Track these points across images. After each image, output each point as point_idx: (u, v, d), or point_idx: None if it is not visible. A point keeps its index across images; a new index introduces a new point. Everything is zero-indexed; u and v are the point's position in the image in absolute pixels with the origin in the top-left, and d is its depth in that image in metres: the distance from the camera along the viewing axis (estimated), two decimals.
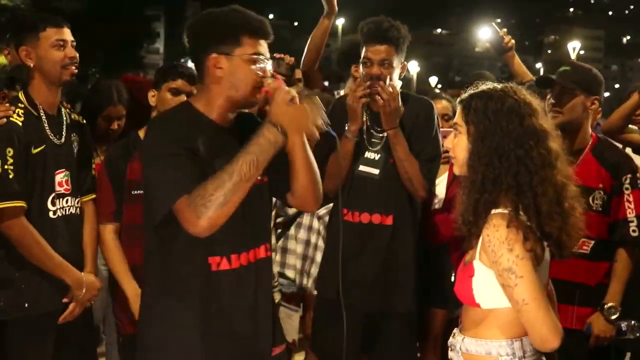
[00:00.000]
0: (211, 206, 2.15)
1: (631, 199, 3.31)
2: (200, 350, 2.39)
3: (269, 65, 2.43)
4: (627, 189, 3.31)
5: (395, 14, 3.49)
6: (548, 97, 3.40)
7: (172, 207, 2.22)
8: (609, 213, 3.36)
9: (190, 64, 3.49)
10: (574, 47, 41.36)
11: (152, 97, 3.44)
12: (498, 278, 2.16)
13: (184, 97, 3.32)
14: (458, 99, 2.40)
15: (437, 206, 3.96)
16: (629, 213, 3.30)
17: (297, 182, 2.45)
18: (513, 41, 4.31)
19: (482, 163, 2.21)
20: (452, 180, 4.07)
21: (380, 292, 3.41)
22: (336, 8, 4.40)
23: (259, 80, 2.38)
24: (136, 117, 4.10)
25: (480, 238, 2.21)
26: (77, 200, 3.26)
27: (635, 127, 4.05)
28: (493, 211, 2.20)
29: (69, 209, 3.21)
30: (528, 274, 2.12)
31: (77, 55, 3.20)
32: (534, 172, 2.18)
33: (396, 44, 3.36)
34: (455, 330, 2.40)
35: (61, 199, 3.17)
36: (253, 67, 2.37)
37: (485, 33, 4.32)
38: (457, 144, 2.33)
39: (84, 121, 3.41)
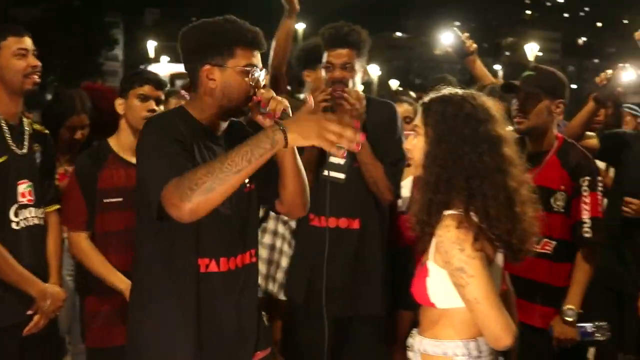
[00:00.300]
0: (197, 189, 2.10)
1: (588, 200, 3.35)
2: (188, 350, 2.42)
3: (261, 76, 2.45)
4: (585, 190, 3.35)
5: (356, 18, 3.52)
6: (514, 101, 3.45)
7: (160, 194, 2.19)
8: (570, 214, 3.41)
9: (152, 69, 3.48)
10: (531, 49, 41.87)
11: (119, 105, 3.42)
12: (451, 278, 2.21)
13: (152, 103, 3.34)
14: (420, 102, 2.45)
15: (403, 208, 4.00)
16: (584, 215, 3.34)
17: (286, 189, 2.49)
18: (475, 45, 4.37)
19: (437, 165, 2.28)
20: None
21: (348, 297, 3.42)
22: (297, 7, 4.41)
23: (251, 91, 2.41)
24: (99, 125, 4.07)
25: (434, 239, 2.26)
26: (40, 211, 3.22)
27: (592, 133, 4.12)
28: (445, 212, 2.25)
29: (32, 220, 3.18)
30: (479, 273, 2.17)
31: (40, 64, 3.18)
32: (485, 176, 2.24)
33: (357, 47, 3.38)
34: (414, 331, 2.44)
35: (24, 210, 3.14)
36: (246, 78, 2.39)
37: (447, 37, 4.36)
38: (415, 146, 2.39)
39: (47, 131, 3.37)
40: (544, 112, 3.38)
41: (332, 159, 3.45)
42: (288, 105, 2.38)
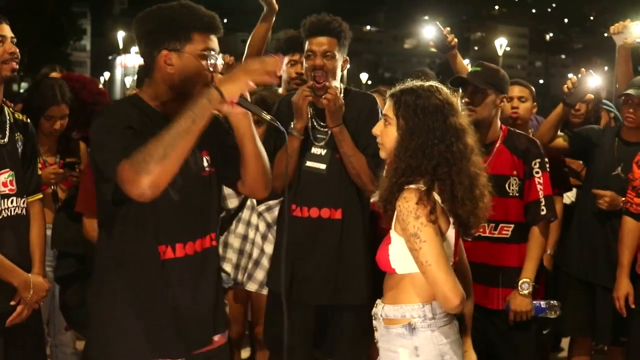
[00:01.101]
0: (150, 160, 2.10)
1: (541, 180, 3.56)
2: (144, 335, 2.43)
3: (219, 60, 2.45)
4: (537, 172, 3.56)
5: (325, 11, 3.54)
6: (462, 95, 3.59)
7: (116, 174, 2.17)
8: (523, 196, 3.57)
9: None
10: (500, 44, 42.25)
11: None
12: (407, 243, 2.41)
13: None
14: (388, 92, 2.62)
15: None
16: (540, 194, 3.54)
17: (247, 171, 2.51)
18: (456, 40, 4.44)
19: (408, 154, 2.47)
20: None
21: (331, 286, 3.45)
22: (276, 7, 4.42)
23: (209, 75, 2.41)
24: (80, 116, 4.06)
25: (396, 210, 2.45)
26: (23, 200, 3.19)
27: (561, 133, 4.21)
28: (406, 187, 2.44)
29: (14, 210, 3.14)
30: (431, 239, 2.37)
31: (17, 50, 3.16)
32: (452, 163, 2.46)
33: (338, 36, 3.42)
34: (378, 301, 2.64)
35: (6, 200, 3.10)
36: (204, 62, 2.40)
37: (429, 32, 4.41)
38: (386, 133, 2.57)
39: (28, 120, 3.33)
40: (490, 105, 3.56)
41: (314, 150, 3.48)
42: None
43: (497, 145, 3.60)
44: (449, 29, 4.38)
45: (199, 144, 2.32)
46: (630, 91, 4.00)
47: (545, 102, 12.76)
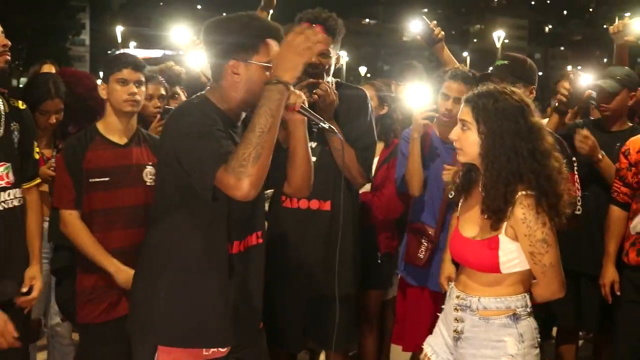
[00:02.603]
0: (247, 164, 2.24)
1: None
2: (198, 327, 2.57)
3: None
4: None
5: (324, 3, 3.57)
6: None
7: (214, 178, 2.30)
8: None
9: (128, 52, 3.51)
10: (498, 36, 42.18)
11: (102, 90, 3.45)
12: (529, 247, 2.56)
13: (133, 87, 3.39)
14: (464, 97, 2.70)
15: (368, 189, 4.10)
16: None
17: (296, 172, 2.69)
18: (443, 32, 4.47)
19: (502, 160, 2.56)
20: (381, 164, 4.21)
21: (321, 276, 3.49)
22: (274, 1, 4.45)
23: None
24: (75, 110, 4.12)
25: (510, 216, 2.56)
26: (19, 190, 3.19)
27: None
28: (519, 193, 2.54)
29: (11, 202, 3.14)
30: (555, 243, 2.59)
31: (9, 42, 3.18)
32: (544, 163, 2.57)
33: (333, 33, 3.45)
34: (459, 293, 2.77)
35: (3, 193, 3.10)
36: (267, 73, 2.47)
37: (416, 25, 4.45)
38: (465, 139, 2.67)
39: (24, 106, 3.30)
40: None
41: None
42: (305, 98, 2.55)
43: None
44: (435, 22, 4.42)
45: None
46: (601, 82, 4.05)
47: (545, 94, 12.74)
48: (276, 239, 3.55)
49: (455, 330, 2.75)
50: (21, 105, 3.29)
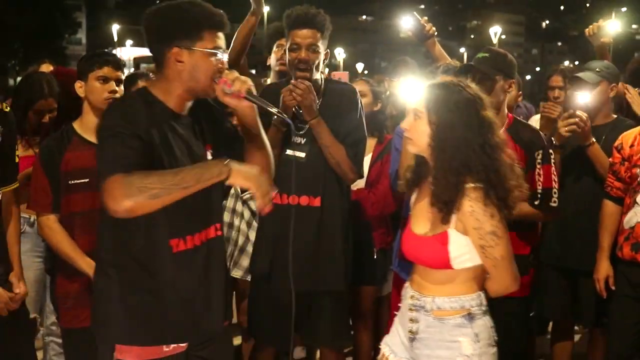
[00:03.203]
0: (143, 193, 2.20)
1: (541, 172, 3.55)
2: (154, 325, 2.52)
3: (225, 57, 2.52)
4: (539, 163, 3.54)
5: (320, 1, 3.57)
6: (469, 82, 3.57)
7: (105, 181, 2.24)
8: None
9: (117, 52, 3.50)
10: (495, 32, 42.20)
11: (79, 88, 3.43)
12: (478, 240, 2.52)
13: (113, 84, 3.36)
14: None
15: (360, 185, 4.10)
16: (538, 186, 3.54)
17: (253, 162, 2.58)
18: (434, 28, 4.48)
19: (452, 151, 2.53)
20: (375, 160, 4.22)
21: (311, 272, 3.50)
22: (263, 6, 4.46)
23: (217, 73, 2.48)
24: (69, 109, 4.11)
25: (458, 210, 2.52)
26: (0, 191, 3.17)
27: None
28: (466, 186, 2.52)
29: None
30: (505, 235, 2.54)
31: None
32: (494, 157, 2.54)
33: (322, 29, 3.45)
34: (413, 293, 2.70)
35: None
36: (213, 59, 2.46)
37: (407, 21, 4.46)
38: (415, 128, 2.63)
39: (8, 109, 3.28)
40: (499, 91, 3.55)
41: (294, 139, 3.51)
42: (252, 84, 2.48)
43: (502, 132, 3.59)
44: (426, 18, 4.42)
45: (203, 138, 2.49)
46: (579, 74, 4.06)
47: (542, 90, 12.72)
48: (266, 235, 3.55)
49: (410, 331, 2.69)
50: (5, 107, 3.26)
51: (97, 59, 3.43)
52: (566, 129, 3.83)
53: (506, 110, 3.66)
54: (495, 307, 3.52)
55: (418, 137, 2.62)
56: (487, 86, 3.48)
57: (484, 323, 2.62)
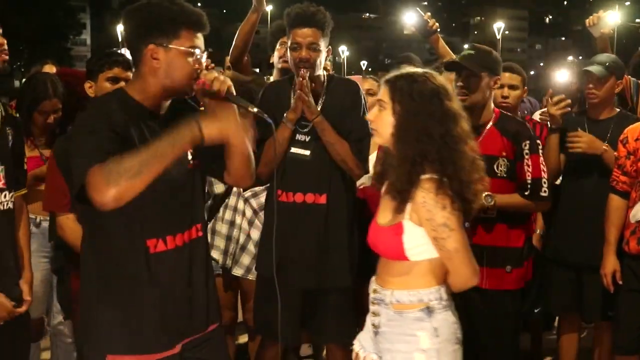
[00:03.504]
0: (123, 174, 2.14)
1: (530, 162, 3.59)
2: (140, 329, 2.49)
3: (204, 58, 2.50)
4: (527, 153, 3.59)
5: None
6: (455, 79, 3.63)
7: (86, 175, 2.18)
8: (515, 177, 3.61)
9: (124, 52, 3.51)
10: (499, 28, 42.15)
11: (89, 88, 3.44)
12: (431, 232, 2.48)
13: (123, 84, 3.35)
14: (383, 78, 2.65)
15: (367, 183, 4.09)
16: (527, 176, 3.58)
17: (232, 162, 2.56)
18: (437, 24, 4.48)
19: (411, 140, 2.49)
20: None
21: (317, 269, 3.50)
22: (264, 4, 4.45)
23: (194, 73, 2.45)
24: (74, 109, 4.12)
25: (411, 200, 2.50)
26: (11, 195, 3.14)
27: None
28: (422, 177, 2.48)
29: (7, 204, 3.10)
30: (458, 227, 2.49)
31: (5, 41, 3.17)
32: (454, 148, 2.50)
33: (322, 27, 3.46)
34: (376, 286, 2.68)
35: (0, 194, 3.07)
36: (190, 59, 2.43)
37: (410, 17, 4.46)
38: (380, 119, 2.59)
39: (17, 115, 3.32)
40: (484, 88, 3.60)
41: (298, 137, 3.52)
42: (231, 84, 2.45)
43: (488, 126, 3.63)
44: (429, 14, 4.43)
45: None
46: (589, 68, 4.05)
47: (546, 85, 12.71)
48: (272, 233, 3.56)
49: (373, 324, 2.66)
50: (14, 113, 3.27)
51: (107, 60, 3.43)
52: (559, 111, 3.93)
53: (492, 105, 3.71)
54: (488, 300, 3.59)
55: (382, 128, 2.59)
56: (473, 83, 3.56)
57: (445, 318, 2.56)
